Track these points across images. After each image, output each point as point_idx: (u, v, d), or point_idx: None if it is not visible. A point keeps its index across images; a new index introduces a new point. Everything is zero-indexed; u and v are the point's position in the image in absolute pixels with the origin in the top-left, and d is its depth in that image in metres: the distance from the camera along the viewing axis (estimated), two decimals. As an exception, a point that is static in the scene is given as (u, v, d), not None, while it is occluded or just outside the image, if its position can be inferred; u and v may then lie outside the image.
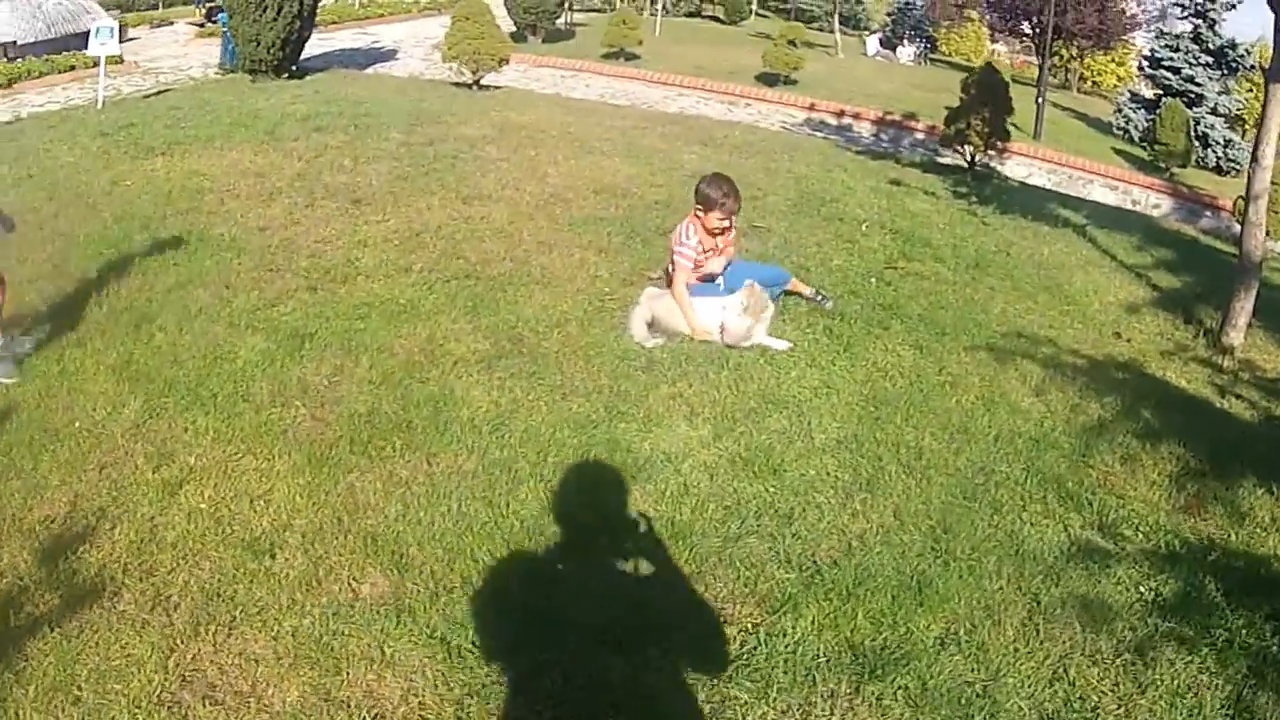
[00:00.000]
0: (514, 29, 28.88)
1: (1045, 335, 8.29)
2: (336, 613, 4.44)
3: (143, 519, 5.11)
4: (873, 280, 8.92)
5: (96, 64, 20.13)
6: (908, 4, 49.46)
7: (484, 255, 8.83)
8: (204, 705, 3.95)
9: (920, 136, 21.95)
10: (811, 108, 22.44)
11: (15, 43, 31.84)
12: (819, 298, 8.15)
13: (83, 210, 10.36)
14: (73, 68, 24.04)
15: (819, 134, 19.70)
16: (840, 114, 22.07)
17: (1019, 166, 20.05)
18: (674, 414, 6.30)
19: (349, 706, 3.96)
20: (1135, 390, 7.39)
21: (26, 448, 5.71)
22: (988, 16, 33.05)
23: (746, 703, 4.01)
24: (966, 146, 15.37)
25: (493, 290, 8.05)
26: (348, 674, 4.11)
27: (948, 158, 17.12)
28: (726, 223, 7.54)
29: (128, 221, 9.88)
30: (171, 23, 36.60)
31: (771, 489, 5.56)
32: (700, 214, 7.49)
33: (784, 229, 10.21)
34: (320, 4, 21.43)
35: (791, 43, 26.06)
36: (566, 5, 32.63)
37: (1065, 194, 17.47)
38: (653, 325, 7.36)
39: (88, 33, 33.65)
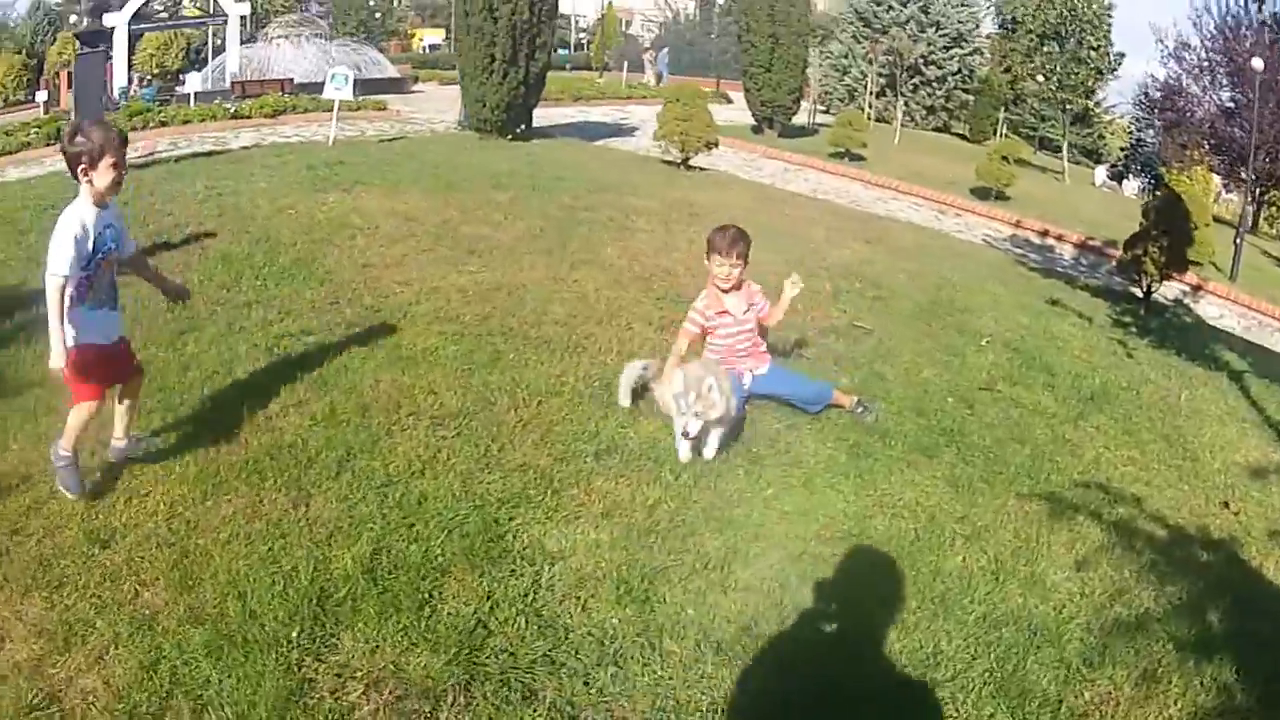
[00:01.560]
0: (754, 122, 28.31)
1: (1132, 493, 6.64)
2: None
3: None
4: (949, 400, 7.57)
5: (358, 107, 20.69)
6: (1139, 141, 47.21)
7: (539, 318, 8.06)
8: None
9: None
10: (1017, 224, 20.93)
11: (293, 80, 33.66)
12: (859, 409, 6.87)
13: (232, 229, 10.35)
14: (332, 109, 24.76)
15: (1016, 250, 18.21)
16: (1044, 233, 20.50)
17: (1211, 306, 17.91)
18: (589, 510, 5.25)
19: None
20: (1214, 579, 5.62)
21: None
22: (1210, 160, 30.81)
23: None
24: (1141, 274, 13.65)
25: (514, 350, 7.31)
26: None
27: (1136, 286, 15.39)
28: (725, 270, 6.49)
29: (262, 243, 9.80)
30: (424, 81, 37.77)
31: (632, 617, 4.45)
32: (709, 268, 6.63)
33: (887, 332, 8.96)
34: (595, 80, 21.28)
35: (1005, 159, 24.53)
36: (813, 104, 31.75)
37: (1249, 340, 15.35)
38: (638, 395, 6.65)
39: (374, 80, 35.00)
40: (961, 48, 43.58)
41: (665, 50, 53.04)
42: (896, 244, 14.27)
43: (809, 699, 4.04)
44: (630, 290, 9.10)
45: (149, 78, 46.03)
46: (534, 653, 4.11)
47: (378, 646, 4.05)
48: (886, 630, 4.58)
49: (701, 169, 19.31)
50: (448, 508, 5.06)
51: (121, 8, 40.38)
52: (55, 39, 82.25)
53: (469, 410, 6.22)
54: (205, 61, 43.79)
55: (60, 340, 4.74)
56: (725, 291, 6.62)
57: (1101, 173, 42.29)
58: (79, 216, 4.91)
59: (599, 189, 14.30)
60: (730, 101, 37.54)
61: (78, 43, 18.51)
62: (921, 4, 43.05)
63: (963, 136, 43.45)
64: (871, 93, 39.96)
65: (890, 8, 43.29)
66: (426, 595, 4.38)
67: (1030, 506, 6.04)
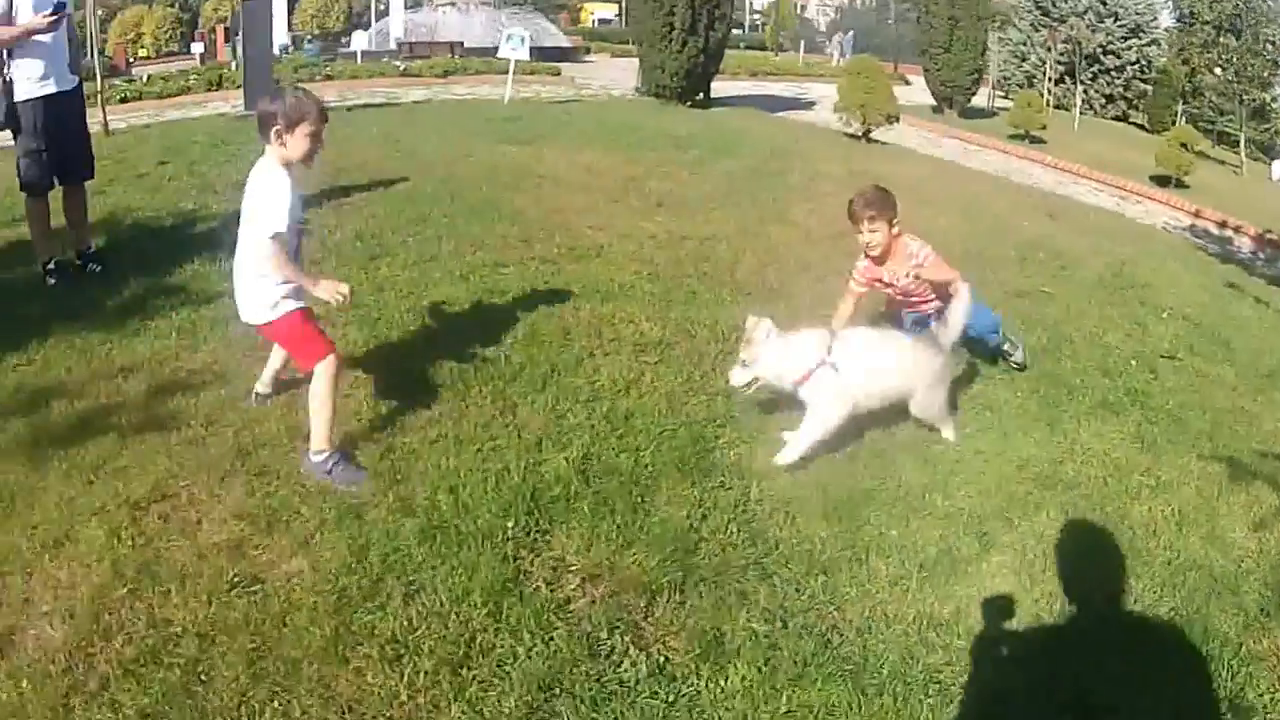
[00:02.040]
0: (934, 102, 28.02)
1: (1310, 466, 6.61)
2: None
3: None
4: (1133, 363, 7.44)
5: (532, 71, 21.07)
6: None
7: (732, 266, 8.19)
8: (150, 519, 3.90)
9: (1298, 260, 19.39)
10: (1197, 214, 20.29)
11: (462, 44, 34.48)
12: (1004, 347, 6.65)
13: (414, 172, 10.67)
14: (505, 72, 25.27)
15: (1196, 239, 17.76)
16: (1223, 224, 19.82)
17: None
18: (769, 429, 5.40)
19: None
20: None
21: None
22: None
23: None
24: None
25: (710, 291, 7.45)
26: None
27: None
28: (864, 239, 5.96)
29: (447, 185, 10.13)
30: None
31: (839, 534, 4.58)
32: None
33: (1071, 299, 8.80)
34: (771, 58, 21.37)
35: (1184, 145, 23.87)
36: (992, 88, 31.24)
37: None
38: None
39: (546, 48, 35.50)
40: (1139, 38, 42.46)
41: (851, 33, 52.41)
42: (1079, 222, 13.98)
43: (1005, 617, 4.15)
44: (820, 247, 9.11)
45: (311, 36, 47.37)
46: (745, 559, 4.28)
47: (592, 544, 4.23)
48: (1077, 563, 4.64)
49: (882, 143, 19.14)
50: (655, 423, 5.25)
51: None
52: None
53: (670, 340, 6.39)
54: (368, 25, 44.64)
55: (308, 283, 4.77)
56: (876, 260, 6.10)
57: (1277, 168, 40.86)
58: (284, 179, 4.81)
59: (781, 155, 14.36)
60: (909, 83, 37.12)
61: (239, -4, 19.18)
62: (1099, -7, 42.23)
63: (1141, 126, 42.33)
64: (1050, 79, 39.23)
65: (1066, -4, 42.54)
66: (639, 499, 4.55)
67: (1211, 468, 5.92)
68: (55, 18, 7.56)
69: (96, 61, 26.55)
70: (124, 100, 27.96)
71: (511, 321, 6.49)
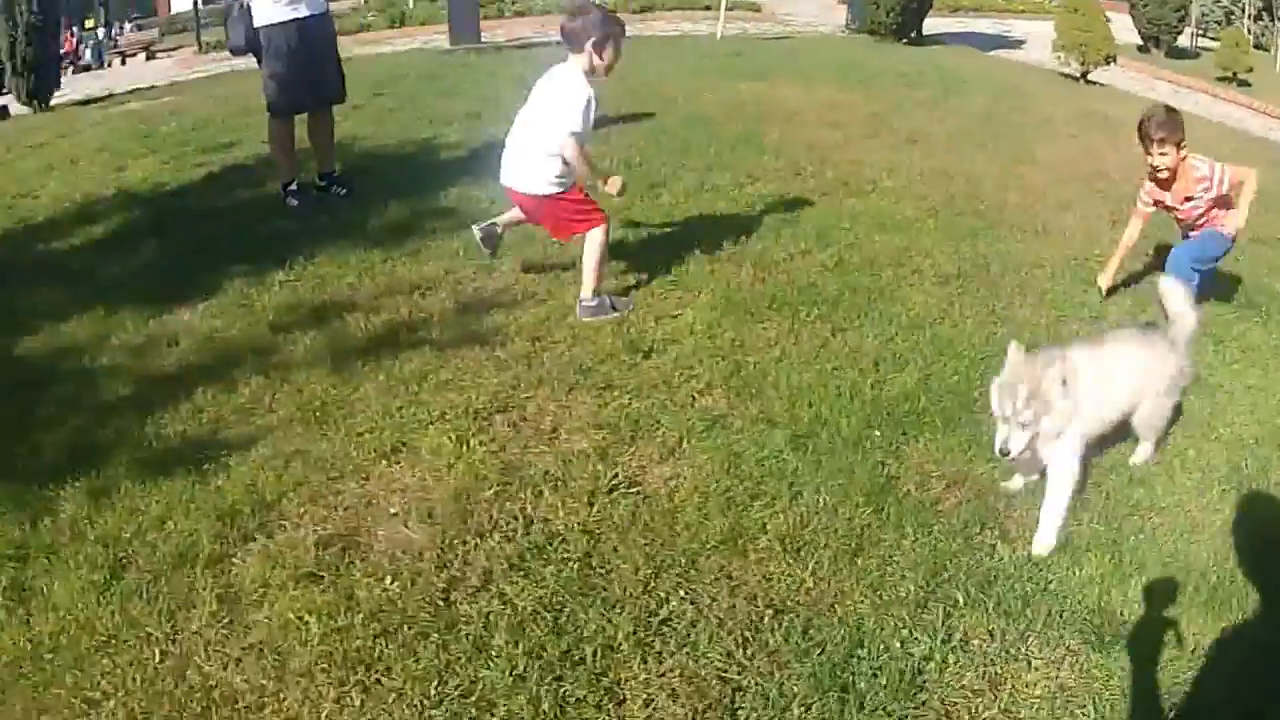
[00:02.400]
0: (1139, 41, 27.35)
1: None
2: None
3: (558, 307, 5.55)
4: None
5: (733, 7, 21.25)
6: None
7: (998, 202, 8.39)
8: (505, 426, 4.36)
9: None
10: None
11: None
12: None
13: (656, 108, 11.06)
14: (708, 7, 25.38)
15: None
16: None
17: None
18: None
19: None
20: None
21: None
22: None
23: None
24: None
25: (988, 228, 7.66)
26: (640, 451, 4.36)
27: None
28: (1155, 161, 5.97)
29: (696, 120, 10.53)
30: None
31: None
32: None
33: None
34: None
35: None
36: (1193, 26, 30.34)
37: None
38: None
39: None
40: (1346, -32, 40.71)
41: None
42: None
43: None
44: (1072, 186, 9.24)
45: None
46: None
47: (947, 453, 4.55)
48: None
49: (1100, 84, 18.90)
50: (974, 348, 5.53)
51: None
52: None
53: (966, 273, 6.66)
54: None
55: (599, 179, 5.72)
56: (1163, 183, 6.14)
57: None
58: (588, 87, 5.54)
59: (1009, 95, 14.36)
60: (1109, 20, 36.23)
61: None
62: (1307, -77, 40.41)
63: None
64: (1249, 16, 37.90)
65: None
66: (977, 417, 4.75)
67: None
68: None
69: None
70: None
71: (815, 249, 6.81)
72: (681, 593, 3.59)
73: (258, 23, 7.63)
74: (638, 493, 4.14)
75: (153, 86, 22.46)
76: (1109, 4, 38.54)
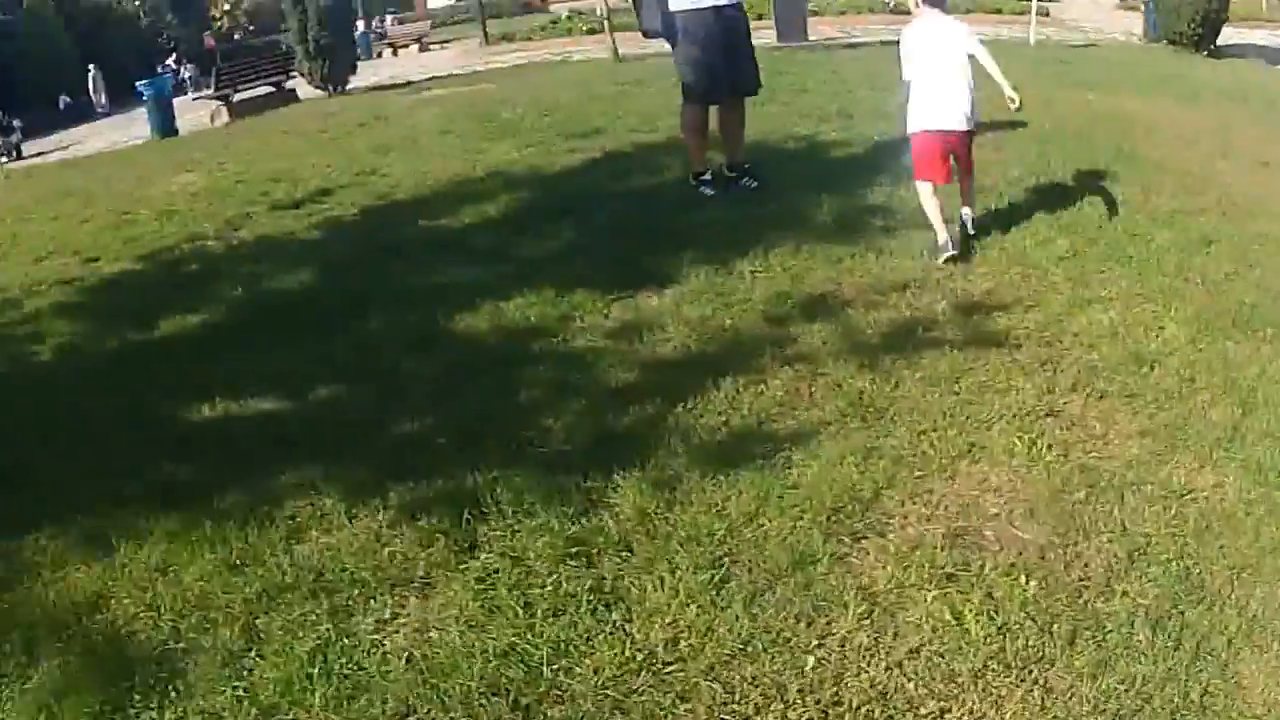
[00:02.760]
0: None
1: None
2: (1185, 418, 4.79)
3: (1052, 314, 5.92)
4: None
5: (1022, 12, 21.64)
6: None
7: None
8: (1059, 429, 4.64)
9: None
10: None
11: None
12: None
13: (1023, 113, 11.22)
14: (999, 10, 25.60)
15: None
16: None
17: None
18: None
19: (1167, 473, 4.33)
20: None
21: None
22: None
23: None
24: None
25: None
26: (1176, 456, 4.48)
27: None
28: None
29: (1061, 130, 10.75)
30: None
31: None
32: None
33: None
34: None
35: None
36: None
37: None
38: None
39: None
40: None
41: None
42: None
43: None
44: None
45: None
46: None
47: None
48: None
49: None
50: None
51: None
52: None
53: None
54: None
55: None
56: None
57: None
58: None
59: None
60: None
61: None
62: None
63: None
64: None
65: None
66: None
67: None
68: None
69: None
70: (590, 32, 29.78)
71: (1240, 270, 6.89)
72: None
73: (673, 7, 7.68)
74: (1191, 498, 4.14)
75: (451, 75, 23.79)
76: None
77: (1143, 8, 24.14)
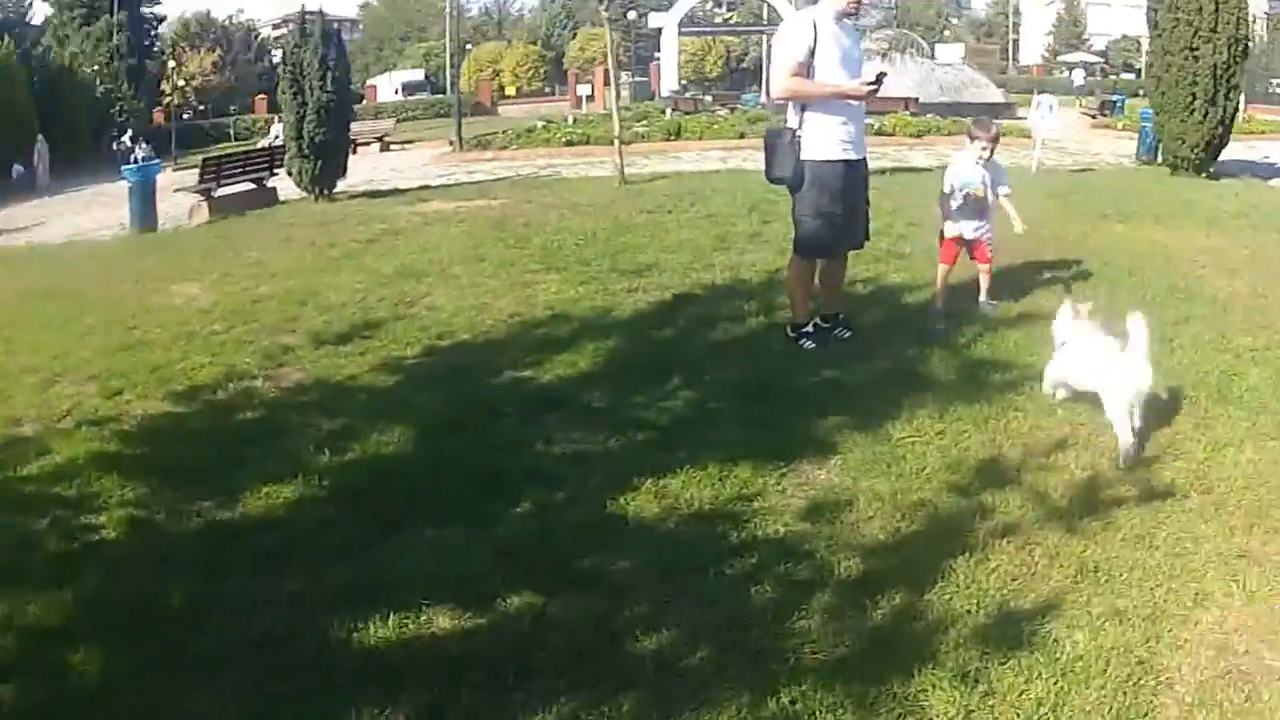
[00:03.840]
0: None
1: None
2: None
3: (1197, 460, 6.49)
4: None
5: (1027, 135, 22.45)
6: None
7: None
8: (1256, 568, 5.16)
9: None
10: None
11: (917, 99, 36.09)
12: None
13: (1057, 249, 12.05)
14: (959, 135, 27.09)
15: None
16: None
17: None
18: None
19: None
20: None
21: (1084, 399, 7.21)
22: None
23: None
24: None
25: None
26: None
27: None
28: None
29: (1111, 268, 11.43)
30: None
31: None
32: None
33: None
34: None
35: None
36: None
37: None
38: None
39: (980, 104, 36.81)
40: None
41: None
42: None
43: None
44: None
45: (752, 87, 49.48)
46: None
47: None
48: None
49: None
50: None
51: (670, 9, 43.49)
52: (575, 33, 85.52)
53: None
54: (758, 71, 45.53)
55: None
56: None
57: None
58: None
59: None
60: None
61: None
62: None
63: None
64: None
65: None
66: None
67: None
68: (875, 86, 7.82)
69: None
70: (568, 144, 30.32)
71: None
72: None
73: (806, 156, 7.76)
74: None
75: (443, 185, 23.23)
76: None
77: (1138, 130, 25.33)
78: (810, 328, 8.36)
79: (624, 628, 4.57)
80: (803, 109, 7.78)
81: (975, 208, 9.08)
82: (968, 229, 9.17)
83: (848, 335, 8.48)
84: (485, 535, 5.47)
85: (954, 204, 9.07)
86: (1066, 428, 7.01)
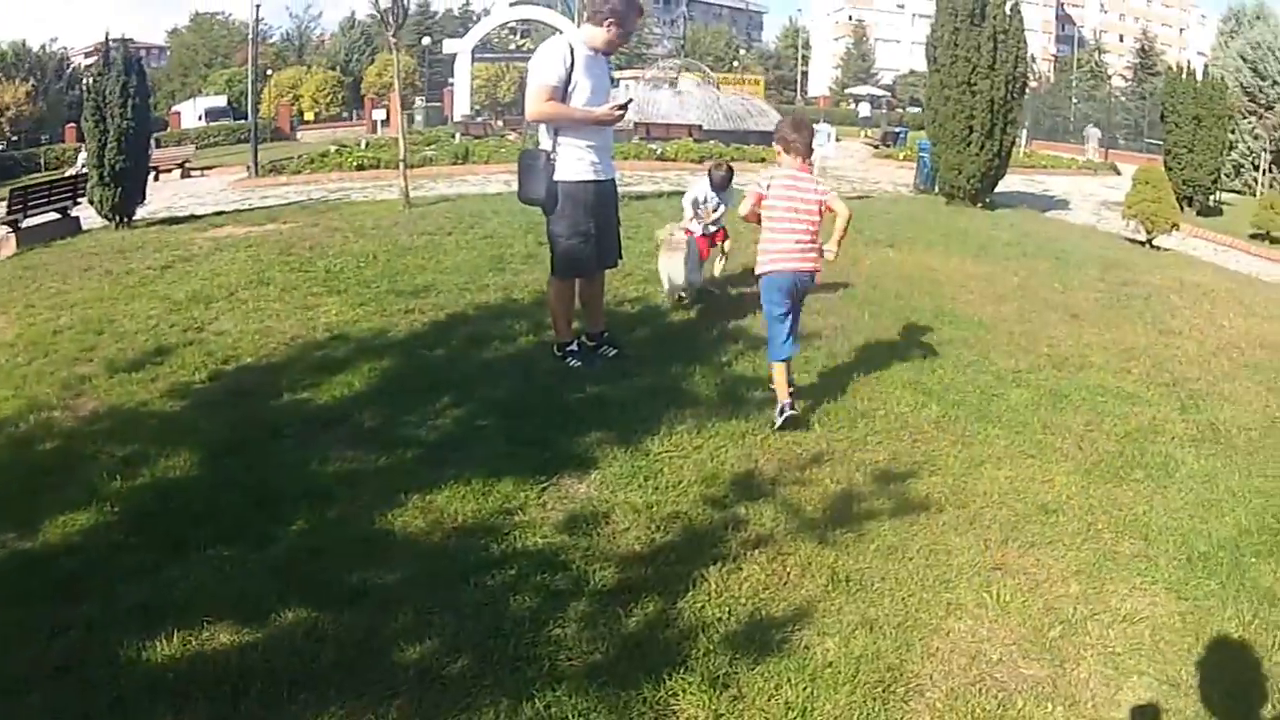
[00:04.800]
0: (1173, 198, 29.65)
1: None
2: (1102, 555, 5.89)
3: (954, 475, 6.83)
4: None
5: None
6: None
7: (1183, 374, 9.78)
8: (1010, 580, 5.49)
9: None
10: None
11: (701, 126, 37.17)
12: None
13: (831, 273, 12.19)
14: (763, 160, 27.83)
15: None
16: None
17: None
18: None
19: (1112, 603, 5.39)
20: None
21: (843, 415, 7.73)
22: None
23: None
24: None
25: (1193, 398, 9.02)
26: (1107, 590, 5.52)
27: None
28: None
29: (879, 291, 11.87)
30: (840, 140, 40.06)
31: None
32: None
33: None
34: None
35: None
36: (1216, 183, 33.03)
37: None
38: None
39: (762, 131, 37.93)
40: (1347, 119, 43.76)
41: (1095, 128, 54.61)
42: None
43: None
44: (1220, 358, 10.61)
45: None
46: None
47: None
48: None
49: (1166, 249, 20.89)
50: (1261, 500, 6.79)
51: (464, 35, 44.27)
52: (373, 58, 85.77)
53: (1207, 438, 8.02)
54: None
55: None
56: None
57: None
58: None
59: (1111, 266, 15.96)
60: (1119, 173, 38.58)
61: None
62: (1307, 77, 43.54)
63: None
64: (1263, 170, 40.66)
65: (1275, 83, 43.75)
66: None
67: None
68: (623, 111, 8.23)
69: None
70: (359, 168, 30.26)
71: (1103, 420, 8.17)
72: None
73: (559, 177, 7.97)
74: (1139, 619, 5.27)
75: (237, 211, 22.79)
76: (1119, 155, 41.36)
77: (917, 161, 26.12)
78: (576, 346, 8.54)
79: (390, 639, 4.67)
80: (556, 132, 8.01)
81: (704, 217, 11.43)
82: (697, 227, 11.19)
83: (614, 353, 8.69)
84: (263, 554, 5.53)
85: (688, 213, 11.44)
86: (823, 443, 7.25)
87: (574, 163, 8.01)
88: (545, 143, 8.11)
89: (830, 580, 5.39)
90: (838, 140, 24.56)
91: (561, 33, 8.40)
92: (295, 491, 6.29)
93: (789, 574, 5.43)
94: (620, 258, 8.79)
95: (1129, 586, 5.59)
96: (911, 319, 10.71)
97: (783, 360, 7.55)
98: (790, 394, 7.48)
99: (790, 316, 7.63)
